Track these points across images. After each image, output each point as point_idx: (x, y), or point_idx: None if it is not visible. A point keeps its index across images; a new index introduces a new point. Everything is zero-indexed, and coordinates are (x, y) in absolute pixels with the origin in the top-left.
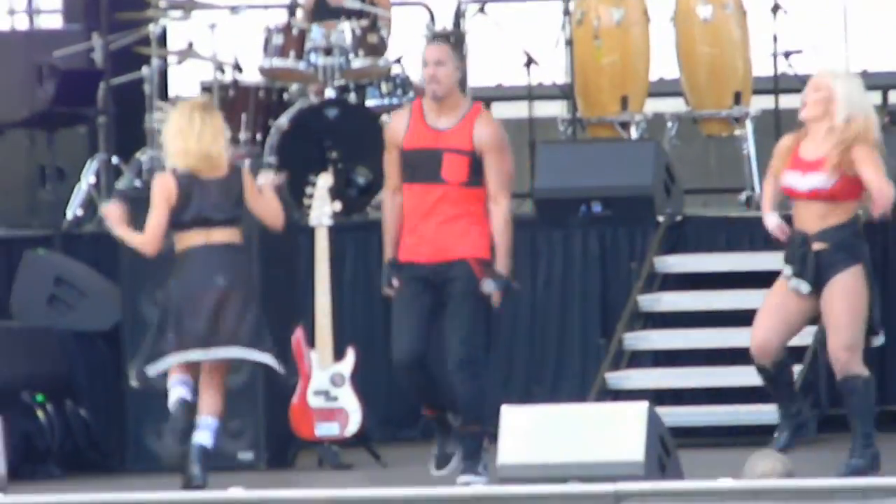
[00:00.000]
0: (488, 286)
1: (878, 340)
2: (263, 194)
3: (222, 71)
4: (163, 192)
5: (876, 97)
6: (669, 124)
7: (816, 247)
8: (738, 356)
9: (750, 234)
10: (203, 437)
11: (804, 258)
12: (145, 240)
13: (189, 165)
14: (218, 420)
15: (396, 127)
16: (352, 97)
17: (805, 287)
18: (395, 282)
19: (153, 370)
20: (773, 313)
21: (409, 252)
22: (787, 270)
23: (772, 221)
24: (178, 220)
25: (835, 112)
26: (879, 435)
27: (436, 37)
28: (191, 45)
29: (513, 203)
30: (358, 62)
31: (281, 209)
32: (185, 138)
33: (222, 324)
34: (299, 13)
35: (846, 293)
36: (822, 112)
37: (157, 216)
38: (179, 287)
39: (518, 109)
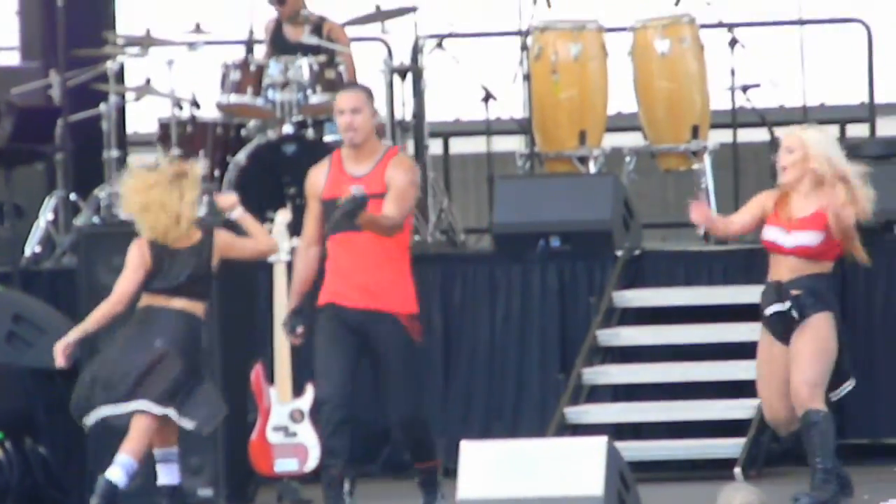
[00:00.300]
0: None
1: (847, 387)
2: (243, 223)
3: (180, 107)
4: (136, 258)
5: (833, 130)
6: (627, 158)
7: (791, 292)
8: (697, 390)
9: (709, 269)
10: (113, 473)
11: (779, 291)
12: (113, 300)
13: (158, 238)
14: (133, 460)
15: (315, 179)
16: (310, 133)
17: (782, 306)
18: (300, 329)
19: (90, 420)
20: (768, 382)
21: (336, 296)
22: (767, 311)
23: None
24: (148, 285)
25: (815, 169)
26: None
27: (348, 84)
28: (148, 81)
29: (471, 238)
30: (316, 98)
31: (264, 230)
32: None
33: (144, 379)
34: (256, 49)
35: (814, 333)
36: (801, 173)
37: (128, 280)
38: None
39: (476, 144)
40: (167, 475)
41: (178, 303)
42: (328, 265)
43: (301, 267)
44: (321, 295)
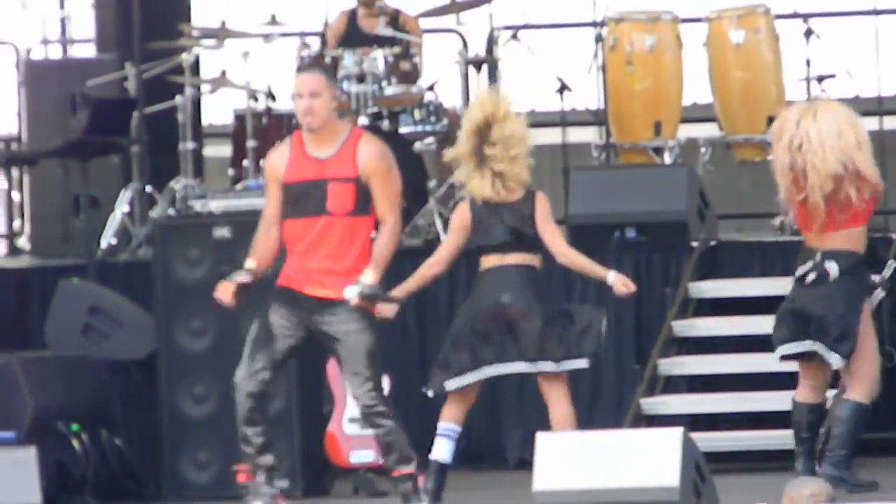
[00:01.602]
0: (349, 292)
1: None
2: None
3: (255, 99)
4: (458, 219)
5: None
6: (703, 149)
7: None
8: (772, 381)
9: (784, 259)
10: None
11: None
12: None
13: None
14: None
15: (276, 161)
16: (385, 124)
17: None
18: (234, 287)
19: (453, 384)
20: None
21: (290, 280)
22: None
23: None
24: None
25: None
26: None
27: (306, 66)
28: (224, 73)
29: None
30: (391, 89)
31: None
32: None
33: (514, 339)
34: (330, 40)
35: None
36: None
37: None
38: (468, 306)
39: (551, 135)
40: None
41: (511, 258)
42: (287, 249)
43: (262, 248)
44: (280, 277)
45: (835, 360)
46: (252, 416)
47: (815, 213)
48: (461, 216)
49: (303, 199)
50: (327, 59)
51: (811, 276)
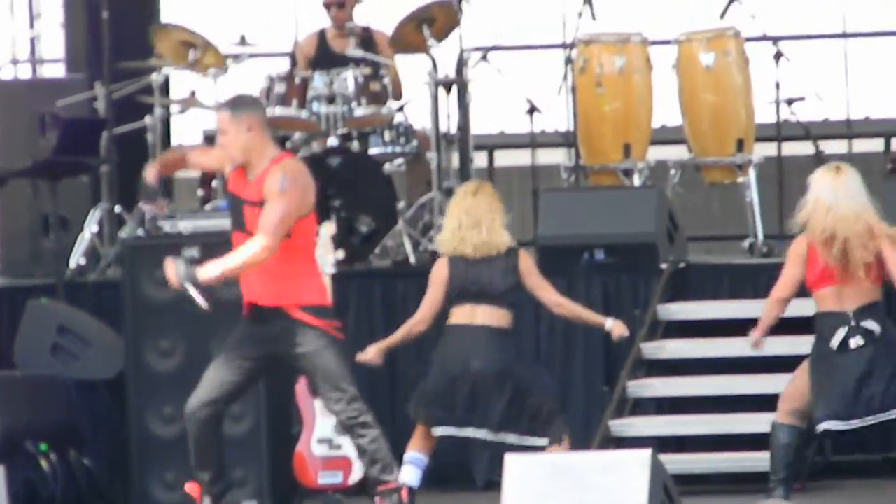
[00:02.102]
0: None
1: None
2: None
3: None
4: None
5: (878, 144)
6: (672, 171)
7: None
8: (741, 403)
9: (754, 282)
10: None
11: None
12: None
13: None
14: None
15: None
16: (355, 145)
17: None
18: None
19: (440, 432)
20: None
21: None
22: None
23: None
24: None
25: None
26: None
27: (220, 104)
28: (193, 93)
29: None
30: (361, 110)
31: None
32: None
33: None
34: (300, 61)
35: None
36: None
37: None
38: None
39: (521, 157)
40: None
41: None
42: None
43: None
44: None
45: None
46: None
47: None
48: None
49: (233, 214)
50: (297, 80)
51: (856, 342)
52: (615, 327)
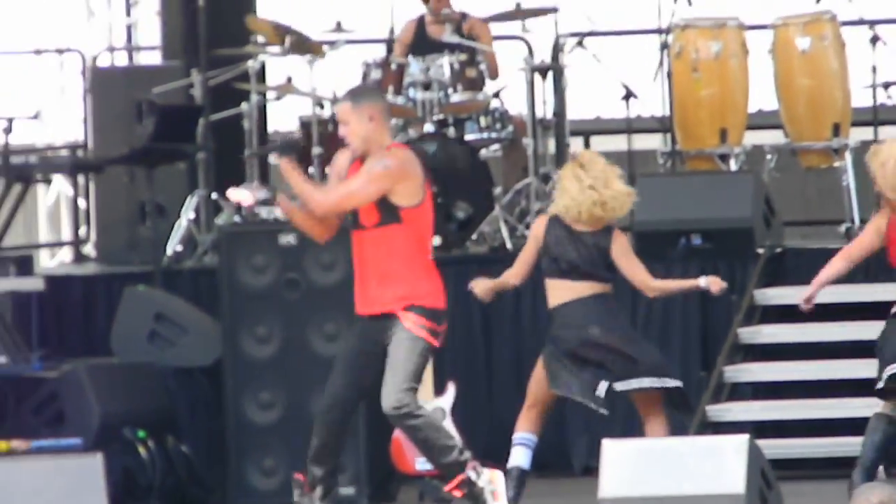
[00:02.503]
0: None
1: None
2: None
3: (321, 106)
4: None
5: None
6: (769, 156)
7: None
8: (838, 388)
9: None
10: None
11: None
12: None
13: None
14: None
15: (342, 162)
16: (451, 131)
17: None
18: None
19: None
20: None
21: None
22: None
23: None
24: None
25: None
26: None
27: (343, 94)
28: (289, 80)
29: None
30: (457, 96)
31: None
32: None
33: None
34: (398, 48)
35: None
36: None
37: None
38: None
39: (617, 142)
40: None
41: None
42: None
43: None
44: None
45: None
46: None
47: None
48: None
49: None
50: (392, 67)
51: None
52: (711, 283)
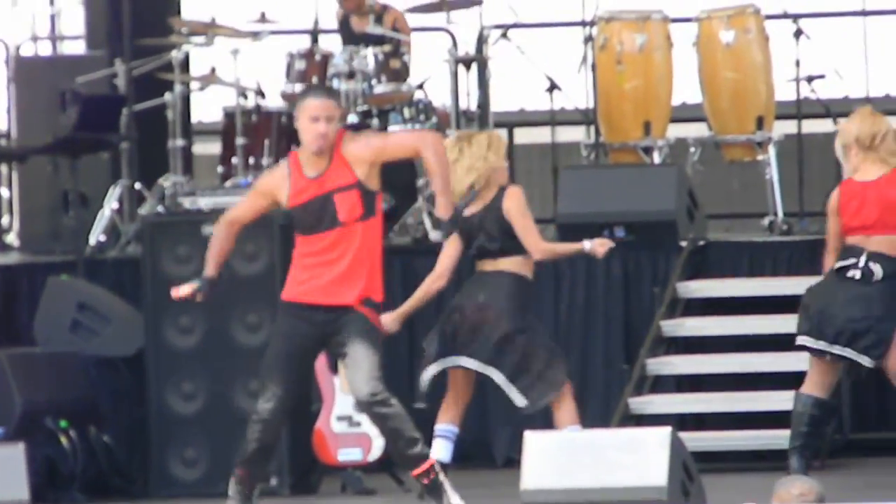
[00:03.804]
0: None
1: None
2: None
3: (245, 96)
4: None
5: None
6: (692, 149)
7: None
8: (760, 381)
9: (773, 259)
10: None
11: None
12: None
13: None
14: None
15: (276, 181)
16: (374, 122)
17: None
18: (201, 295)
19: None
20: None
21: (305, 294)
22: None
23: None
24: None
25: None
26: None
27: (318, 89)
28: (213, 70)
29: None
30: (381, 87)
31: None
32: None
33: (471, 336)
34: (321, 39)
35: None
36: None
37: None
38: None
39: (541, 135)
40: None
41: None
42: (298, 264)
43: (223, 241)
44: (290, 292)
45: (865, 361)
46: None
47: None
48: None
49: (312, 217)
50: (317, 57)
51: (853, 273)
52: (595, 246)
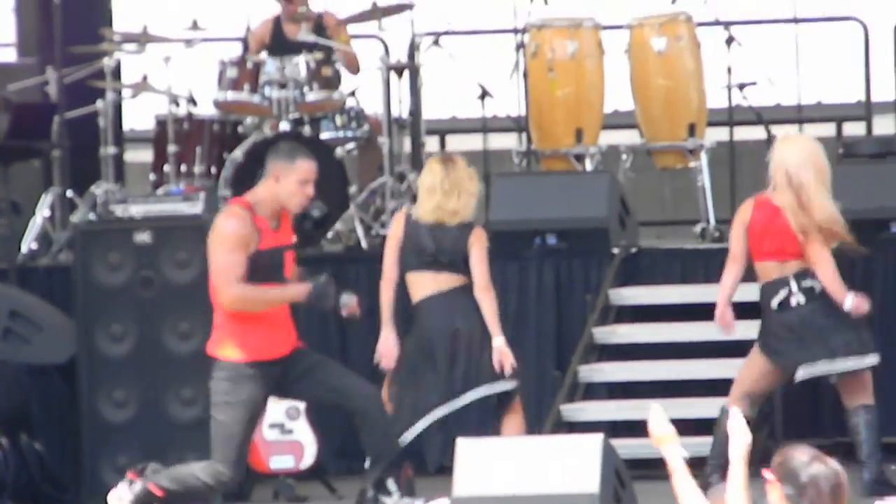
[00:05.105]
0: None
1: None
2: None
3: (177, 104)
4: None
5: (829, 129)
6: (624, 156)
7: None
8: (692, 388)
9: (705, 266)
10: None
11: None
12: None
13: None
14: None
15: (247, 231)
16: (306, 130)
17: None
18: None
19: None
20: None
21: (265, 352)
22: None
23: None
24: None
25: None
26: None
27: (307, 152)
28: (145, 78)
29: None
30: (312, 95)
31: None
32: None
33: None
34: (254, 45)
35: None
36: None
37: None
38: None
39: (472, 142)
40: None
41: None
42: (248, 319)
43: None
44: (250, 352)
45: (872, 360)
46: None
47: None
48: None
49: (268, 268)
50: (249, 65)
51: (797, 300)
52: None
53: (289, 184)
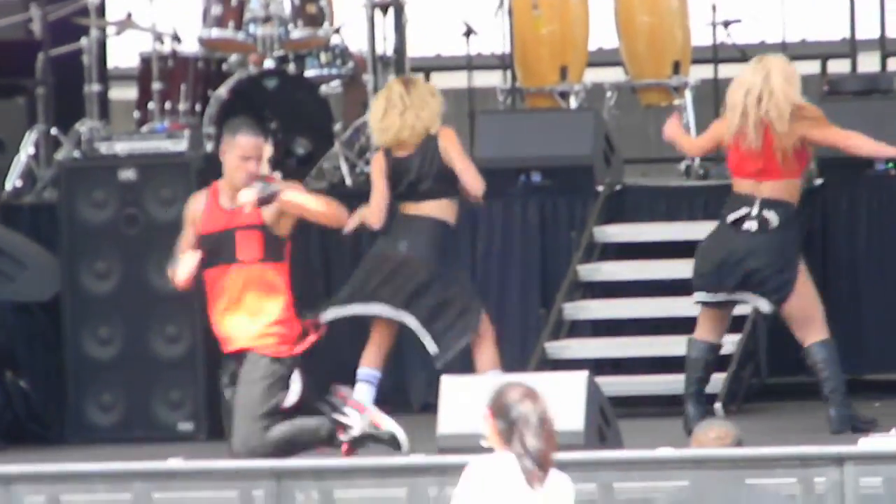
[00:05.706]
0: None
1: None
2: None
3: (161, 41)
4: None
5: (814, 66)
6: (609, 94)
7: None
8: (677, 325)
9: (690, 204)
10: None
11: None
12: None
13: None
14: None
15: (194, 207)
16: (291, 67)
17: None
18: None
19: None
20: None
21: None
22: None
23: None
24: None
25: None
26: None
27: (248, 126)
28: (129, 15)
29: None
30: (297, 32)
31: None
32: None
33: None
34: None
35: None
36: None
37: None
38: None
39: (457, 79)
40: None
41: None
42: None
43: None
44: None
45: (764, 305)
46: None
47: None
48: None
49: (214, 250)
50: (233, 2)
51: (749, 225)
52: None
53: (231, 159)
